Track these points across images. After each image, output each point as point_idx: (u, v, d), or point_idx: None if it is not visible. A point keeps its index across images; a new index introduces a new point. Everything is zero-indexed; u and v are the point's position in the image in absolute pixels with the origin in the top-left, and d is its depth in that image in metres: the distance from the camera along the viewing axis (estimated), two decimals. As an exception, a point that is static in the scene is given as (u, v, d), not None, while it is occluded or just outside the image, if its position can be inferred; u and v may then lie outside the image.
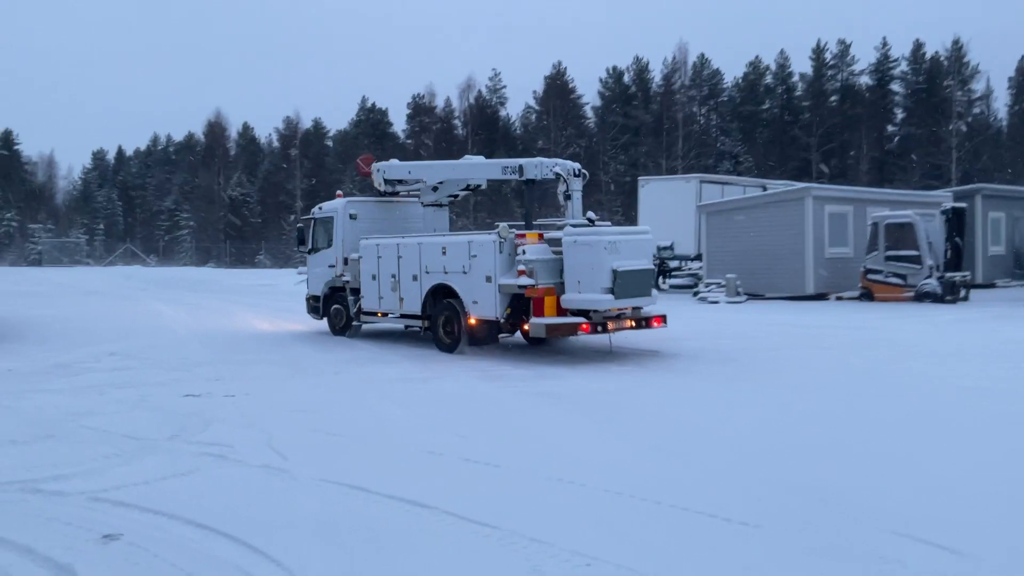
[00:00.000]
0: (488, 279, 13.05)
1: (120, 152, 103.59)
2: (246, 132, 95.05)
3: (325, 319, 16.99)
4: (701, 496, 5.57)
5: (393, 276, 14.79)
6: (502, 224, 13.34)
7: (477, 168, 16.07)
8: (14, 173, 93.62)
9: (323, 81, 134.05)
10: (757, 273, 23.56)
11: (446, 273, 13.79)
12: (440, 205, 16.85)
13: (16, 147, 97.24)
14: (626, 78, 77.07)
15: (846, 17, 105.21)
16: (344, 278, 16.14)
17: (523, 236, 13.15)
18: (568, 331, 12.50)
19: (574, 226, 12.89)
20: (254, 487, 6.04)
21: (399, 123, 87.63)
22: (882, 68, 65.06)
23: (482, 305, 13.16)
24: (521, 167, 14.45)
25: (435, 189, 16.19)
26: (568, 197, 13.80)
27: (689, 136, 68.61)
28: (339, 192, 18.35)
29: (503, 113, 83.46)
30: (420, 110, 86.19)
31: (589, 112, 78.95)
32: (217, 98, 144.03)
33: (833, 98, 68.12)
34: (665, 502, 5.47)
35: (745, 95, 72.64)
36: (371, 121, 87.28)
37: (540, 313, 12.50)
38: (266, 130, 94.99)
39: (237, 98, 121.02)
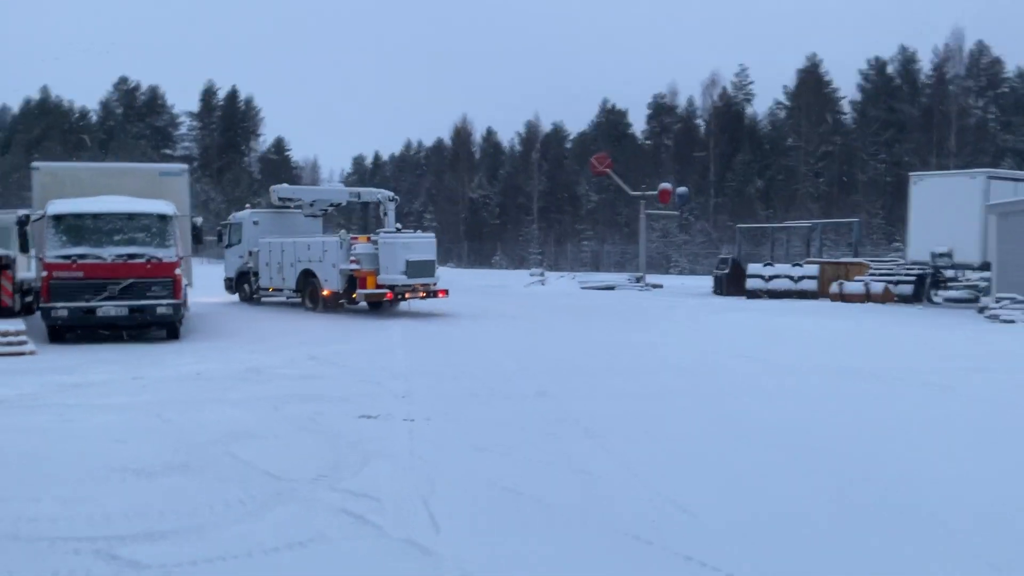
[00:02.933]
0: (334, 265, 20.03)
1: (377, 157, 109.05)
2: (490, 136, 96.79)
3: (237, 293, 24.20)
4: None
5: (279, 263, 21.66)
6: (342, 230, 22.11)
7: (335, 193, 24.92)
8: (284, 176, 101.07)
9: (564, 84, 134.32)
10: (1066, 287, 19.32)
11: (310, 262, 20.82)
12: (316, 216, 23.62)
13: (287, 152, 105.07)
14: (890, 68, 70.49)
15: None
16: (249, 265, 23.16)
17: (356, 238, 20.06)
18: (379, 298, 19.66)
19: (386, 232, 19.97)
20: (377, 581, 4.29)
21: (639, 124, 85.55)
22: None
23: (331, 282, 20.22)
24: (359, 194, 24.46)
25: (312, 204, 23.20)
26: (385, 214, 22.43)
27: (964, 131, 61.51)
28: (248, 205, 27.11)
29: (749, 110, 79.13)
30: (661, 110, 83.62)
31: (846, 107, 72.95)
32: (464, 104, 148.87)
33: None
34: None
35: (1033, 84, 64.16)
36: (610, 123, 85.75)
37: (364, 287, 19.48)
38: (508, 134, 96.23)
39: (482, 104, 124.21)
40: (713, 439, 7.53)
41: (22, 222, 13.96)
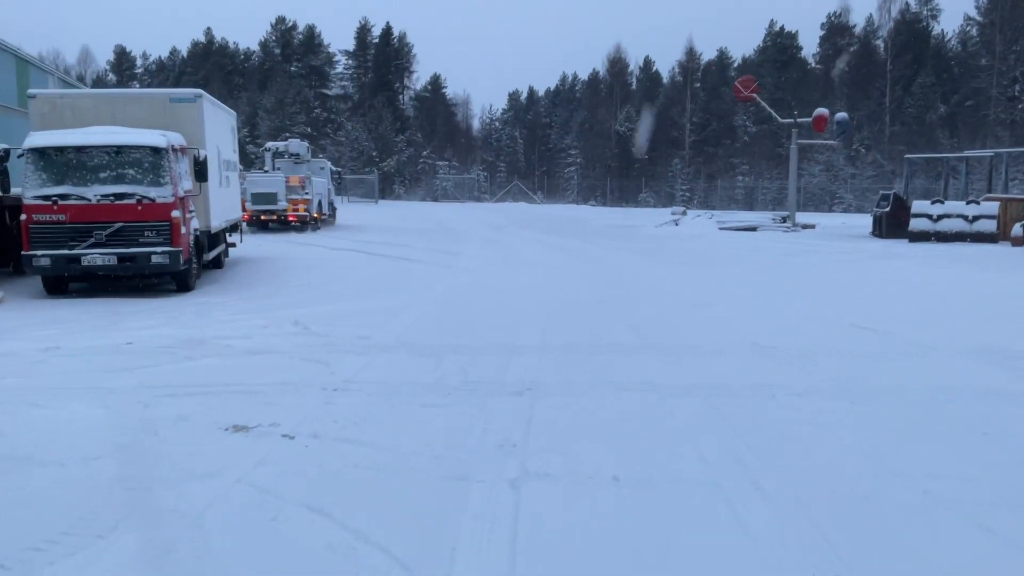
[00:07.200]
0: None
1: (531, 92, 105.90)
2: (647, 66, 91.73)
3: None
4: None
5: None
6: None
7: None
8: (438, 115, 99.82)
9: (729, 6, 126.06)
10: None
11: None
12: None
13: (442, 90, 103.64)
14: (1108, -28, 60.53)
15: None
16: None
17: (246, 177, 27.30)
18: (244, 219, 23.74)
19: (251, 173, 30.34)
20: None
21: (810, 47, 78.50)
22: None
23: None
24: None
25: None
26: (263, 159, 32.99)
27: None
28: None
29: (935, 29, 70.64)
30: (835, 31, 76.24)
31: (1051, 20, 63.46)
32: (623, 34, 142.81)
33: None
34: None
35: None
36: (777, 46, 79.00)
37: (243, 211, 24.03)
38: (669, 64, 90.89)
39: (641, 33, 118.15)
40: (728, 506, 4.49)
41: (1, 158, 12.19)
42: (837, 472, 4.98)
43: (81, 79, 79.72)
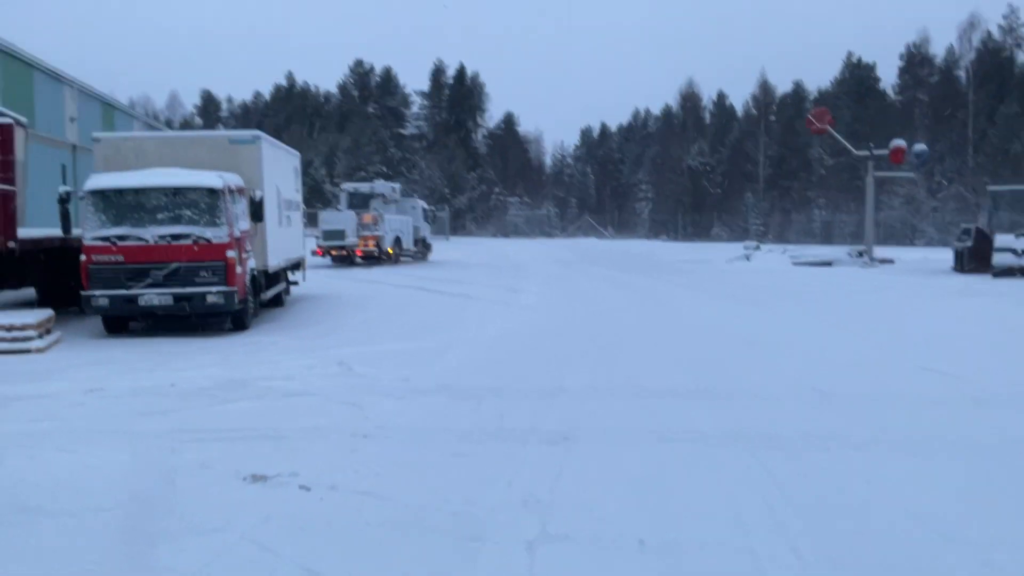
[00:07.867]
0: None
1: (603, 128, 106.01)
2: (721, 100, 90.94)
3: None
4: None
5: None
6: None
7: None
8: (511, 152, 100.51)
9: (804, 38, 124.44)
10: None
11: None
12: None
13: (515, 128, 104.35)
14: None
15: None
16: None
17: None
18: (317, 254, 29.52)
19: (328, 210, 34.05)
20: None
21: (889, 78, 76.69)
22: None
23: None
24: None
25: None
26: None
27: None
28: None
29: (1020, 57, 68.28)
30: (915, 62, 74.37)
31: None
32: (693, 68, 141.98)
33: None
34: None
35: None
36: (855, 78, 77.43)
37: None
38: (741, 97, 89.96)
39: (713, 66, 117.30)
40: None
41: (63, 199, 12.46)
42: (888, 538, 4.52)
43: (169, 124, 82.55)
